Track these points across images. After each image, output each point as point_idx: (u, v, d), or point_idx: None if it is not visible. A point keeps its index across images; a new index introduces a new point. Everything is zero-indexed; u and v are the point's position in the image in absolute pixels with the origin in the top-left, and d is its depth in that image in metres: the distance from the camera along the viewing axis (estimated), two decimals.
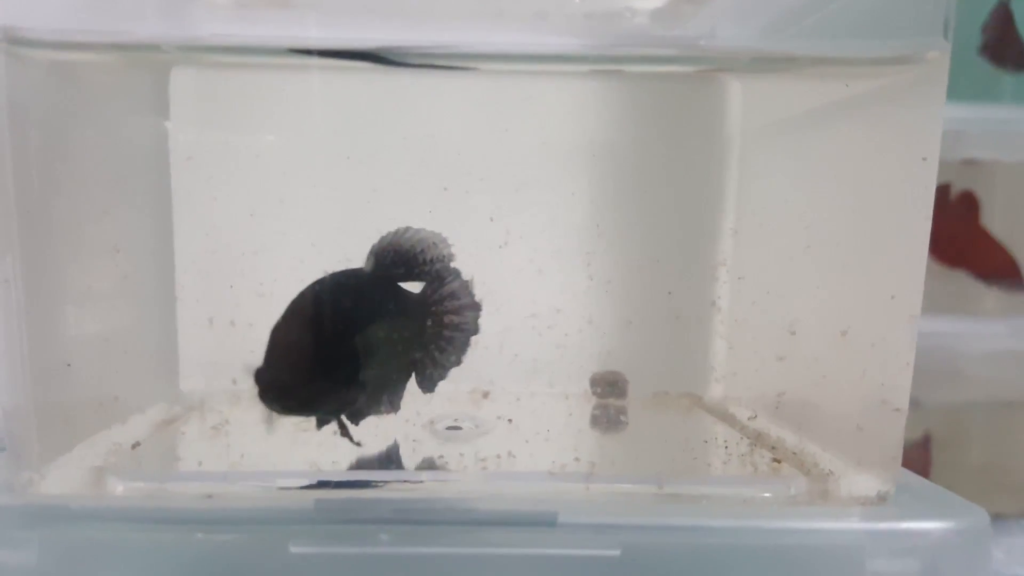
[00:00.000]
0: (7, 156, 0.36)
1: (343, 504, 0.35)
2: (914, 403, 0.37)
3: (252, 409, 0.52)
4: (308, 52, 0.40)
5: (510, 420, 0.50)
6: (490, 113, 0.55)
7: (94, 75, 0.44)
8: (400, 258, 0.41)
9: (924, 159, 0.36)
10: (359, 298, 0.41)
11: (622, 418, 0.54)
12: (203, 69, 0.53)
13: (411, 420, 0.46)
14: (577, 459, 0.44)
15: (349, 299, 0.41)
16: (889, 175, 0.39)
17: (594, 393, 0.57)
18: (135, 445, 0.44)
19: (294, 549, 0.32)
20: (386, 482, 0.37)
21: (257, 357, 0.40)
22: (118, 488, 0.37)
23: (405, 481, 0.38)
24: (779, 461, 0.43)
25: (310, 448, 0.46)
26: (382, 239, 0.41)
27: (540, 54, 0.42)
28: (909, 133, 0.37)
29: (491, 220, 0.55)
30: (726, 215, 0.56)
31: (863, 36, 0.38)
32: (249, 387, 0.52)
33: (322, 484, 0.37)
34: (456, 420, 0.49)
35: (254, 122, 0.54)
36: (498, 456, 0.43)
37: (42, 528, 0.33)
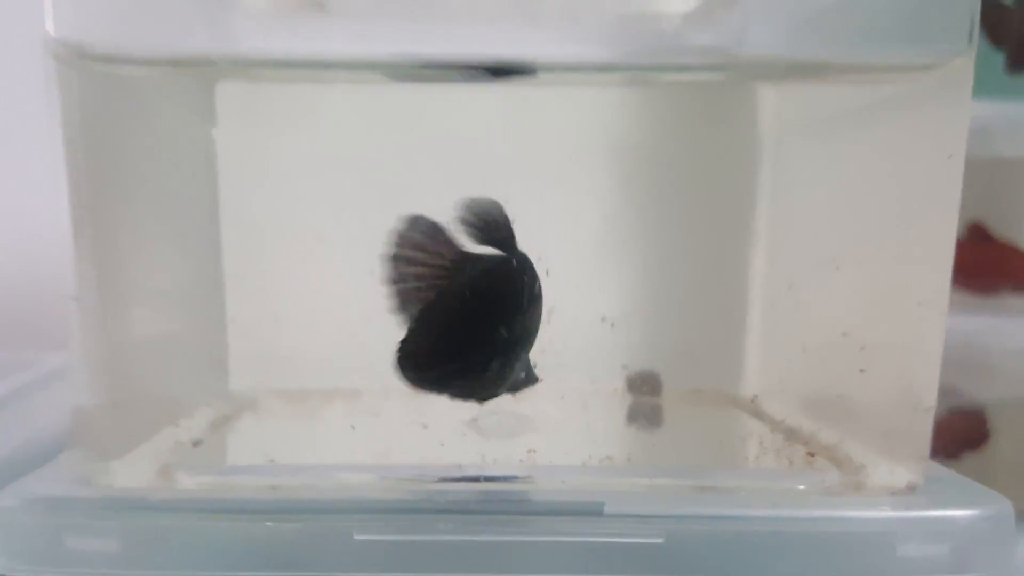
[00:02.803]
0: (82, 169, 0.38)
1: (404, 495, 0.37)
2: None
3: (304, 405, 0.54)
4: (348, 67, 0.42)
5: (549, 417, 0.52)
6: (519, 121, 0.56)
7: (148, 87, 0.46)
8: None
9: (950, 156, 0.37)
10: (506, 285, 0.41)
11: (658, 415, 0.55)
12: (248, 81, 0.54)
13: (454, 415, 0.48)
14: (624, 457, 0.45)
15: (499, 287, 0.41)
16: (916, 177, 0.40)
17: (630, 390, 0.58)
18: (196, 443, 0.46)
19: (358, 536, 0.34)
20: (443, 478, 0.39)
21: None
22: (187, 482, 0.39)
23: (461, 478, 0.40)
24: (813, 455, 0.44)
25: (364, 442, 0.48)
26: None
27: (570, 64, 0.42)
28: (935, 135, 0.38)
29: (523, 222, 0.56)
30: (760, 215, 0.56)
31: (891, 42, 0.38)
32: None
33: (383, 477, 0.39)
34: (498, 416, 0.50)
35: (297, 131, 0.56)
36: (543, 450, 0.44)
37: (123, 518, 0.35)
